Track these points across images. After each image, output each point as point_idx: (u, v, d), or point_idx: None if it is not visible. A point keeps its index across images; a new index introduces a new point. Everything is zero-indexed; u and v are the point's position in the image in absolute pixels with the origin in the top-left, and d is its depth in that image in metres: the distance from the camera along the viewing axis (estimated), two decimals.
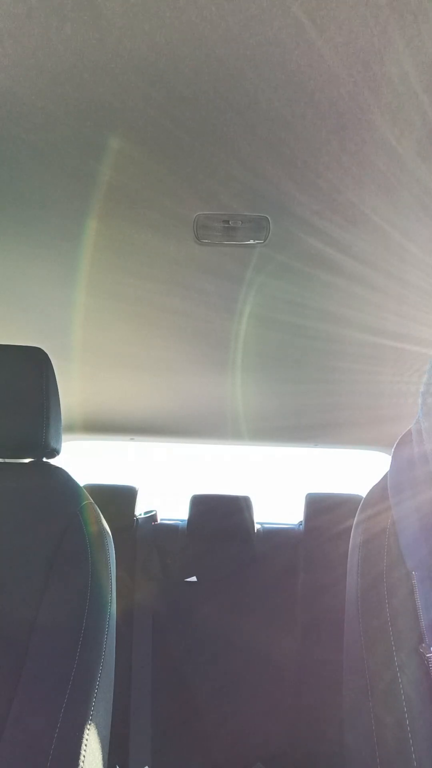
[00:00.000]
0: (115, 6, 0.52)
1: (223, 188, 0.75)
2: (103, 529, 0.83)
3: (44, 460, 0.92)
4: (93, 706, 0.66)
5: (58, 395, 0.91)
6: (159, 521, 1.90)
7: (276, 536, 1.83)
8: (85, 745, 0.63)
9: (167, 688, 1.60)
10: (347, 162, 0.69)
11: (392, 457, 0.66)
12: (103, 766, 0.67)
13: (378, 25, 0.52)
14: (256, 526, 1.83)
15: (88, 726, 0.64)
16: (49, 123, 0.65)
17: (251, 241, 0.86)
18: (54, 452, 0.90)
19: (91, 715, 0.65)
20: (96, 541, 0.80)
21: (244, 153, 0.69)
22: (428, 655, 0.52)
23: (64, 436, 1.84)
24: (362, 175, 0.71)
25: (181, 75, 0.59)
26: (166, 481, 2.56)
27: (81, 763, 0.61)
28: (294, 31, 0.53)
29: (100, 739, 0.66)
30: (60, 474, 0.88)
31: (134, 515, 1.83)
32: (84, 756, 0.62)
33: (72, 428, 1.80)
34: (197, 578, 1.73)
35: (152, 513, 1.89)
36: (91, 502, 0.85)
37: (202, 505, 1.82)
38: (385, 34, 0.53)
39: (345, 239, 0.84)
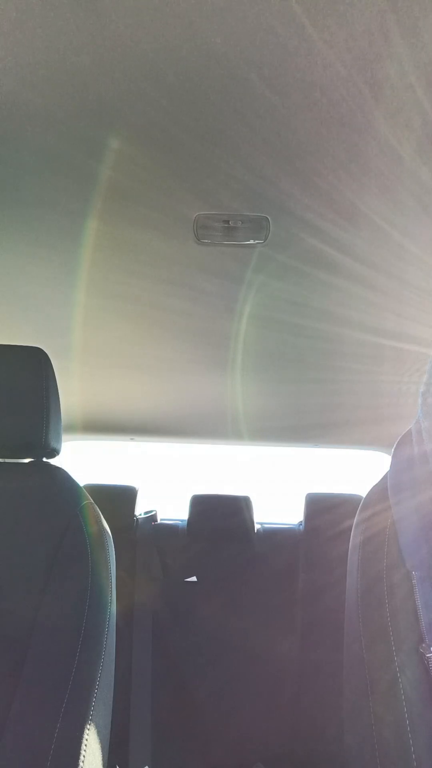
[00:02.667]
0: (116, 6, 0.52)
1: (223, 188, 0.75)
2: (103, 529, 0.83)
3: (44, 460, 0.91)
4: (93, 706, 0.66)
5: (58, 395, 0.91)
6: (159, 521, 1.90)
7: (276, 536, 1.83)
8: (85, 745, 0.63)
9: (167, 688, 1.60)
10: (347, 162, 0.69)
11: (392, 457, 0.66)
12: (103, 765, 0.67)
13: (378, 25, 0.52)
14: (256, 526, 1.83)
15: (88, 726, 0.64)
16: (49, 123, 0.65)
17: (251, 241, 0.86)
18: (54, 452, 0.90)
19: (91, 715, 0.65)
20: (96, 541, 0.80)
21: (244, 153, 0.69)
22: (428, 655, 0.52)
23: (64, 436, 1.84)
24: (362, 175, 0.71)
25: (181, 75, 0.59)
26: (166, 481, 2.56)
27: (81, 763, 0.61)
28: (294, 31, 0.53)
29: (100, 738, 0.66)
30: (60, 474, 0.88)
31: (134, 515, 1.83)
32: (84, 756, 0.62)
33: (72, 428, 1.80)
34: (197, 578, 1.73)
35: (152, 513, 1.89)
36: (91, 502, 0.85)
37: (202, 505, 1.82)
38: (385, 34, 0.53)
39: (345, 239, 0.84)
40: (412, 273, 0.92)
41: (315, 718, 1.56)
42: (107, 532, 0.83)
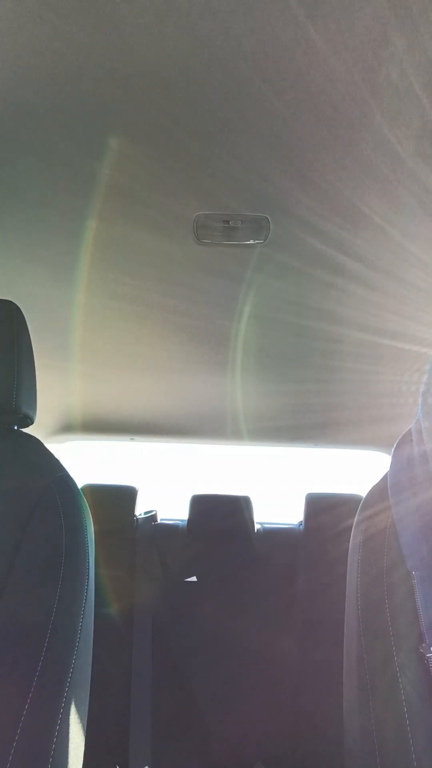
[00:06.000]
0: (116, 6, 0.52)
1: (223, 188, 0.75)
2: (80, 506, 0.74)
3: (15, 428, 0.82)
4: (66, 691, 0.60)
5: (32, 355, 0.82)
6: (159, 521, 1.90)
7: (276, 536, 1.83)
8: (55, 742, 0.58)
9: (167, 688, 1.60)
10: (347, 162, 0.69)
11: (392, 457, 0.66)
12: (77, 759, 0.62)
13: (378, 25, 0.52)
14: (256, 526, 1.83)
15: (61, 713, 0.59)
16: (49, 123, 0.65)
17: (251, 241, 0.86)
18: (27, 420, 0.81)
19: (65, 699, 0.60)
20: (71, 519, 0.70)
21: (244, 153, 0.69)
22: (428, 655, 0.52)
23: (64, 436, 1.85)
24: (362, 175, 0.71)
25: (181, 75, 0.59)
26: (166, 481, 2.56)
27: (50, 758, 0.58)
28: (294, 31, 0.53)
29: (73, 732, 0.61)
30: (34, 444, 0.79)
31: (134, 515, 1.83)
32: (54, 751, 0.57)
33: (72, 428, 1.80)
34: (197, 578, 1.73)
35: (152, 513, 1.89)
36: (66, 474, 0.76)
37: (202, 505, 1.82)
38: (385, 34, 0.53)
39: (345, 239, 0.84)
40: (412, 273, 0.92)
41: (315, 718, 1.56)
42: (85, 509, 0.75)
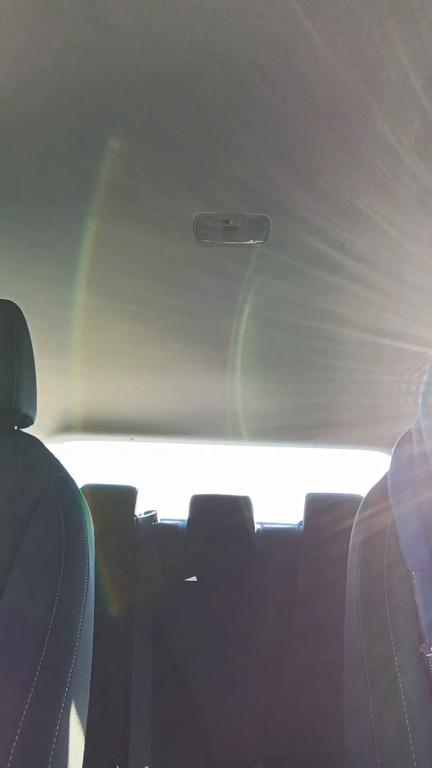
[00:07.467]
0: (116, 6, 0.52)
1: (223, 188, 0.75)
2: (80, 506, 0.74)
3: (16, 428, 0.82)
4: (66, 691, 0.60)
5: (32, 355, 0.83)
6: (159, 521, 1.90)
7: (276, 536, 1.83)
8: (56, 742, 0.58)
9: (167, 688, 1.60)
10: (347, 162, 0.69)
11: (392, 457, 0.66)
12: (77, 759, 0.62)
13: (378, 24, 0.52)
14: (256, 526, 1.83)
15: (61, 714, 0.59)
16: (49, 123, 0.65)
17: (251, 241, 0.86)
18: (27, 420, 0.81)
19: (65, 699, 0.60)
20: (71, 516, 0.71)
21: (244, 153, 0.69)
22: (428, 655, 0.52)
23: (64, 436, 1.85)
24: (362, 175, 0.71)
25: (181, 75, 0.59)
26: (166, 480, 2.56)
27: (50, 758, 0.57)
28: (294, 31, 0.53)
29: (73, 735, 0.61)
30: (34, 444, 0.79)
31: (134, 515, 1.83)
32: (54, 751, 0.58)
33: (72, 428, 1.80)
34: (197, 578, 1.73)
35: (152, 513, 1.89)
36: (66, 474, 0.76)
37: (202, 505, 1.82)
38: (385, 33, 0.53)
39: (345, 239, 0.84)
40: (412, 273, 0.92)
41: (315, 718, 1.56)
42: (85, 509, 0.75)
